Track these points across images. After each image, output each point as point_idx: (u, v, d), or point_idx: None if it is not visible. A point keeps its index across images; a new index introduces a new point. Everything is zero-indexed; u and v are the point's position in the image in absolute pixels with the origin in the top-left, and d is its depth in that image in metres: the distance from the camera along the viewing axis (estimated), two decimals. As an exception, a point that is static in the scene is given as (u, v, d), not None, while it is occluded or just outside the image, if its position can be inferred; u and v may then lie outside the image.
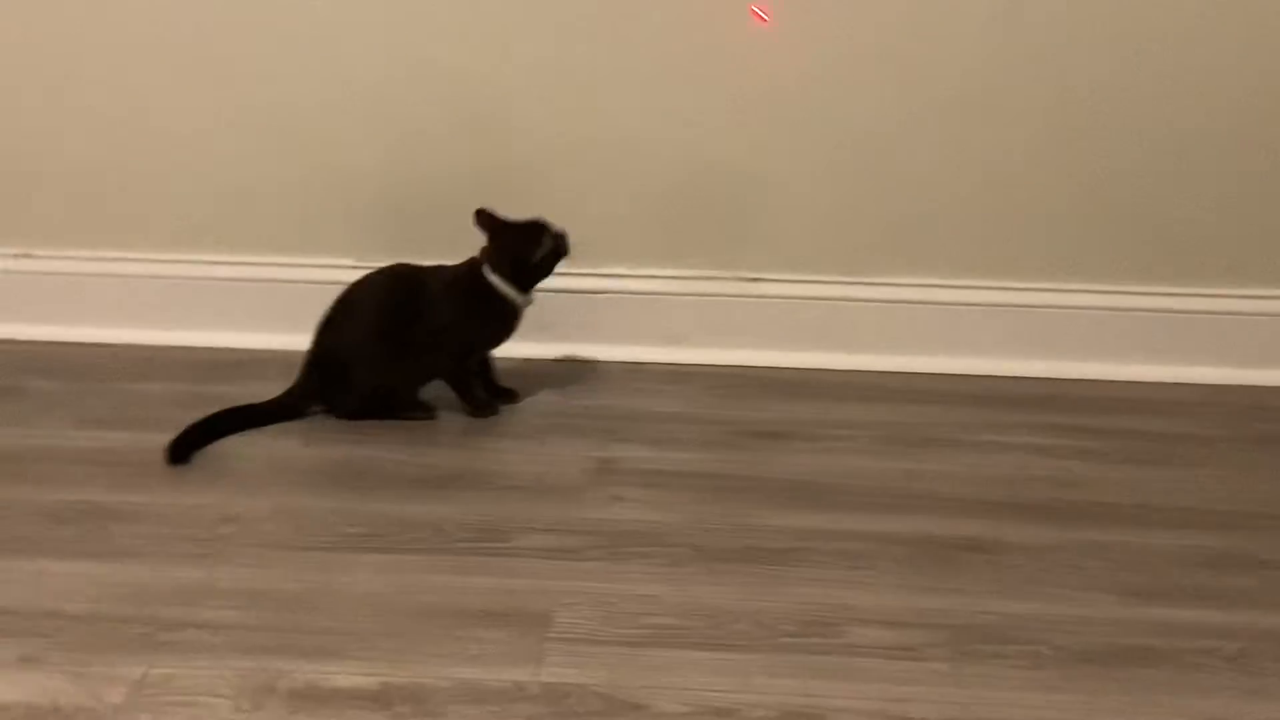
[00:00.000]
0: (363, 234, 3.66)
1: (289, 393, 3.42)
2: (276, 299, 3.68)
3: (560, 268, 3.39)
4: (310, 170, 3.59)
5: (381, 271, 3.43)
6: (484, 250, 3.37)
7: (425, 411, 3.50)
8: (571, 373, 3.65)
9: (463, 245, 3.39)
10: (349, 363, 3.38)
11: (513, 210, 3.32)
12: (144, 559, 2.77)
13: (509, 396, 3.58)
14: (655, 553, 2.82)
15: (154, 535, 2.86)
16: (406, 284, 3.40)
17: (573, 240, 3.34)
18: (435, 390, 3.44)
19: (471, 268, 3.39)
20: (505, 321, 3.44)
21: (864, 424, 3.32)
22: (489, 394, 3.54)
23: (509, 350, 3.47)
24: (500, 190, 3.37)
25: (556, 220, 3.32)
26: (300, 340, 3.40)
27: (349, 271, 3.49)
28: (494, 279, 3.40)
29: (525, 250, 3.39)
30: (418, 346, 3.33)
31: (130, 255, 3.66)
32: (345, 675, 2.46)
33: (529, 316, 3.42)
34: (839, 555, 2.78)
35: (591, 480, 3.15)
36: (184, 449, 3.23)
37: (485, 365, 3.51)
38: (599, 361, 3.69)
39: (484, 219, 3.47)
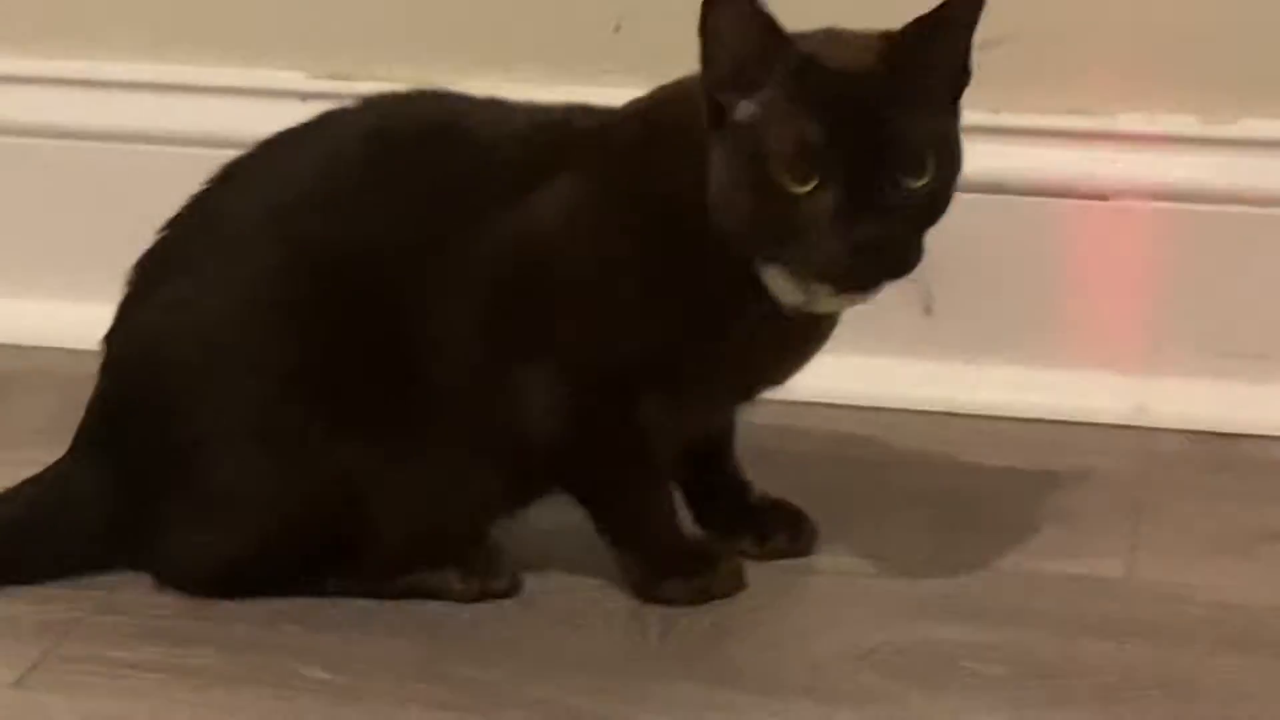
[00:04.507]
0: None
1: (45, 481, 1.36)
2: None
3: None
4: None
5: (358, 110, 1.39)
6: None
7: (478, 571, 1.32)
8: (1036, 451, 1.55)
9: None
10: (209, 406, 1.32)
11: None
12: None
13: (782, 524, 1.40)
14: None
15: None
16: (430, 154, 1.34)
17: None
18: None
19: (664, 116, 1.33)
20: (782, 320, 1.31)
21: None
22: (723, 519, 1.39)
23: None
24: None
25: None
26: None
27: (281, 109, 1.45)
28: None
29: None
30: (477, 370, 1.31)
31: None
32: None
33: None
34: None
35: None
36: None
37: (719, 440, 1.41)
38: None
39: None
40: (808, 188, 1.17)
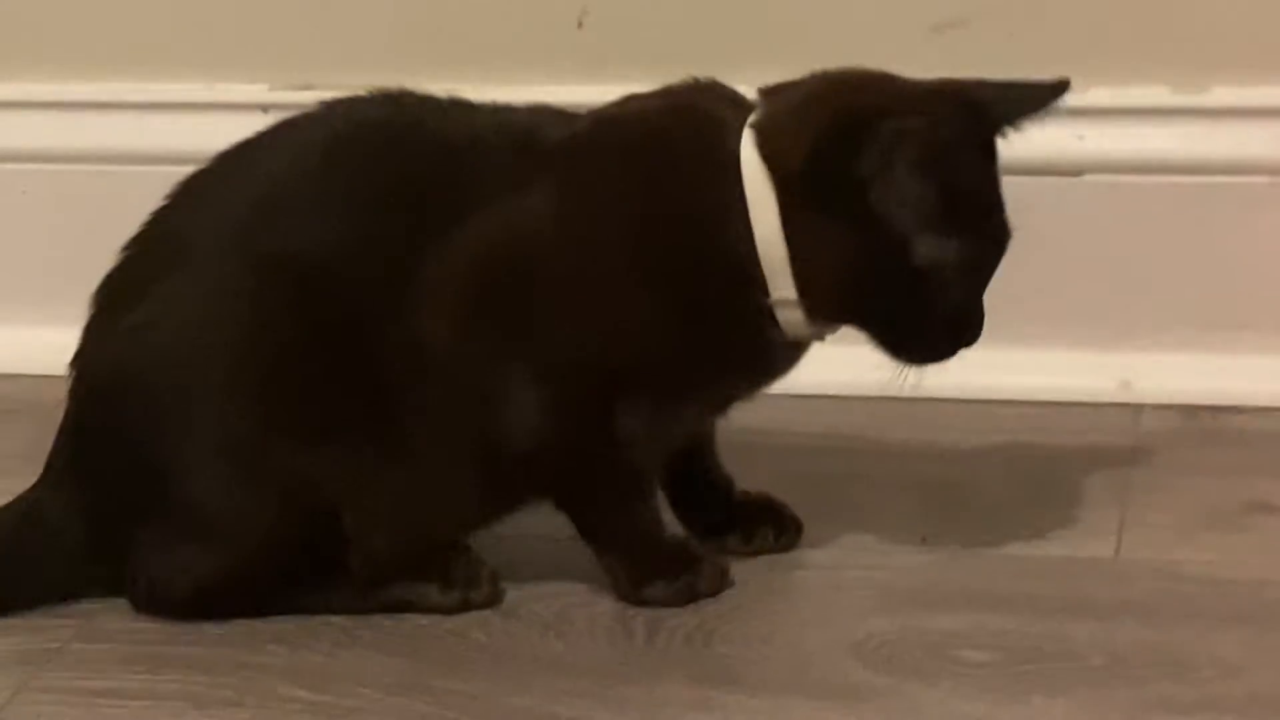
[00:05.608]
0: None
1: (17, 509, 1.28)
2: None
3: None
4: None
5: (317, 117, 1.29)
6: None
7: (459, 583, 1.25)
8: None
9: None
10: (178, 427, 1.23)
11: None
12: None
13: (765, 520, 1.33)
14: None
15: None
16: (394, 161, 1.26)
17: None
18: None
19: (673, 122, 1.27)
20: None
21: None
22: (706, 518, 1.32)
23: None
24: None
25: None
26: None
27: (245, 122, 1.34)
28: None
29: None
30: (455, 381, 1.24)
31: None
32: None
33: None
34: None
35: None
36: None
37: (699, 441, 1.34)
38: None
39: None
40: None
